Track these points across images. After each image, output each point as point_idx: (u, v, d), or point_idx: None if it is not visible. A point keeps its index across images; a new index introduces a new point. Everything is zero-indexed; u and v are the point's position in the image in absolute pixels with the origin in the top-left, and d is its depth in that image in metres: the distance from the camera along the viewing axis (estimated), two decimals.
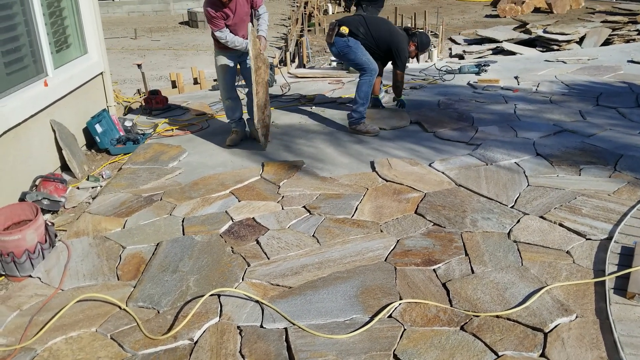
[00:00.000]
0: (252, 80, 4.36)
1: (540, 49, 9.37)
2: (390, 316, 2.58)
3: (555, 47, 9.20)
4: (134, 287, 2.94)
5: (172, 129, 5.61)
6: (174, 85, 7.62)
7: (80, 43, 5.45)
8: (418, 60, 5.56)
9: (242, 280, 2.94)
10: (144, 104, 6.44)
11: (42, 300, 2.86)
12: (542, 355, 2.29)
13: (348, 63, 5.22)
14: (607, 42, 9.44)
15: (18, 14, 4.27)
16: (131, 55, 11.36)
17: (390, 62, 5.55)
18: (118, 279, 3.02)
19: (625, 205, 3.47)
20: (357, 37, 5.04)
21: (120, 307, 2.76)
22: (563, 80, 6.81)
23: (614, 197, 3.61)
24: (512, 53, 9.13)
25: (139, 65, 6.92)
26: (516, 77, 7.04)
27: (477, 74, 7.28)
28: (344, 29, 5.00)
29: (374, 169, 4.30)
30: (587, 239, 3.14)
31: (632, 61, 7.78)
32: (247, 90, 4.86)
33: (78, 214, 3.98)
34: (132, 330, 2.59)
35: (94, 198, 4.21)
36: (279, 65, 7.81)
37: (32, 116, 4.22)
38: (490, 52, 9.45)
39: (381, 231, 3.36)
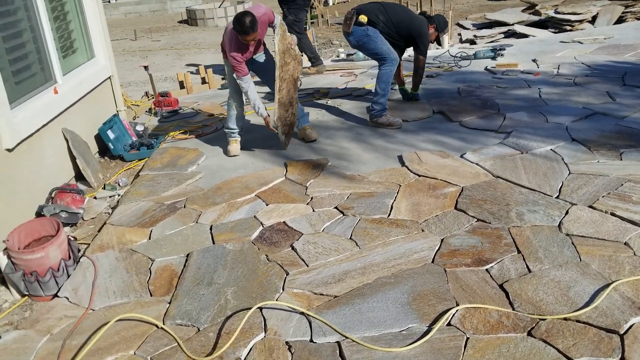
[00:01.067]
0: (275, 75, 4.17)
1: (553, 30, 9.14)
2: (449, 324, 2.40)
3: (568, 28, 8.97)
4: (169, 303, 2.76)
5: (186, 132, 5.42)
6: (181, 85, 7.42)
7: (87, 47, 5.27)
8: (439, 43, 5.34)
9: (283, 290, 2.77)
10: (154, 106, 6.26)
11: (72, 322, 2.70)
12: (622, 359, 2.12)
13: (367, 53, 5.01)
14: (620, 20, 9.20)
15: (23, 20, 4.09)
16: (133, 57, 11.15)
17: (407, 50, 5.37)
18: (151, 295, 2.85)
19: None
20: (376, 25, 4.84)
21: (157, 326, 2.59)
22: (583, 61, 6.60)
23: None
24: (525, 36, 8.90)
25: (146, 67, 6.73)
26: (534, 60, 6.84)
27: (494, 58, 7.07)
28: (363, 18, 4.80)
29: (403, 163, 4.12)
30: None
31: None
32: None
33: (98, 226, 3.81)
34: (173, 351, 2.42)
35: (113, 208, 4.04)
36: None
37: (44, 126, 4.05)
38: (502, 35, 9.21)
39: (422, 230, 3.18)
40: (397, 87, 5.77)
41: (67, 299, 2.91)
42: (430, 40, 5.17)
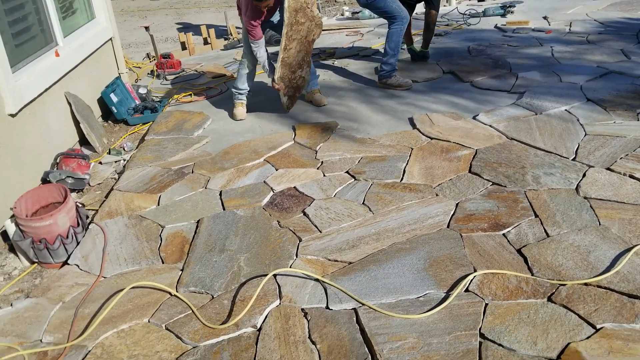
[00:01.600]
0: (282, 32, 4.04)
1: None
2: (467, 290, 2.37)
3: None
4: (182, 270, 2.73)
5: (191, 94, 5.31)
6: (183, 46, 7.27)
7: (87, 7, 5.12)
8: None
9: (297, 256, 2.73)
10: (156, 68, 6.13)
11: (84, 290, 2.67)
12: None
13: (376, 12, 4.84)
14: None
15: None
16: (132, 17, 10.90)
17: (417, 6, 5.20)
18: (163, 262, 2.82)
19: None
20: None
21: (170, 294, 2.56)
22: (596, 18, 6.43)
23: None
24: None
25: (147, 28, 6.56)
26: (545, 17, 6.66)
27: (503, 15, 6.89)
28: None
29: (414, 126, 4.03)
30: None
31: None
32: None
33: (105, 191, 3.76)
34: (187, 319, 2.40)
35: (119, 173, 3.99)
36: None
37: (46, 90, 3.95)
38: None
39: (437, 195, 3.12)
40: (405, 46, 5.63)
41: (78, 266, 2.88)
42: None
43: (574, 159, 3.31)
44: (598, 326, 2.10)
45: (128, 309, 2.50)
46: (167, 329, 2.36)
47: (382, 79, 4.90)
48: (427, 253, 2.62)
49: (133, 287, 2.60)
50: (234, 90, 4.63)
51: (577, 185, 3.03)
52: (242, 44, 4.40)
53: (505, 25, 6.45)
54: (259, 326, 2.31)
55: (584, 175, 3.12)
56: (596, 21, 6.29)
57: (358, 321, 2.27)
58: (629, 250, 2.46)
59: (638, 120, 3.71)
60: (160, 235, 3.03)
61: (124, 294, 2.54)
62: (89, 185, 3.92)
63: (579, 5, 7.20)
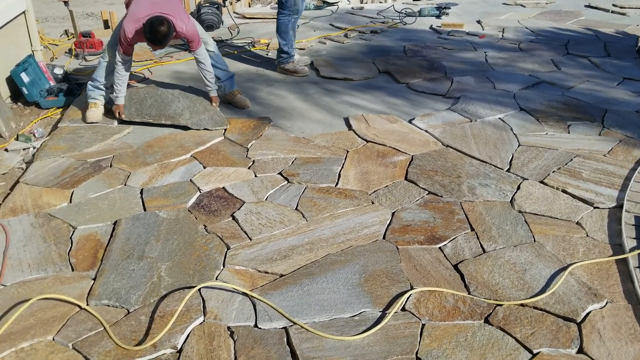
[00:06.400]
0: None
1: None
2: (403, 309, 2.26)
3: None
4: (94, 279, 2.46)
5: None
6: (106, 25, 6.77)
7: None
8: None
9: (224, 266, 2.53)
10: (74, 48, 5.67)
11: None
12: (580, 351, 2.05)
13: None
14: None
15: None
16: None
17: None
18: (72, 269, 2.53)
19: (625, 168, 3.28)
20: None
21: (80, 307, 2.30)
22: (527, 26, 6.56)
23: (610, 158, 3.41)
24: None
25: (66, 3, 6.05)
26: (479, 22, 6.72)
27: (438, 17, 6.90)
28: None
29: (350, 126, 3.90)
30: (595, 208, 2.92)
31: (589, 6, 7.64)
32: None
33: (10, 184, 3.38)
34: (98, 337, 2.15)
35: (28, 163, 3.61)
36: (225, 4, 7.11)
37: None
38: None
39: (372, 202, 3.01)
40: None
41: None
42: None
43: (508, 170, 3.30)
44: (535, 351, 2.05)
45: (30, 324, 2.22)
46: (74, 348, 2.10)
47: (280, 64, 5.03)
48: (363, 267, 2.50)
49: (38, 299, 2.30)
50: (89, 84, 4.03)
51: (512, 198, 3.01)
52: None
53: (440, 27, 6.45)
54: (179, 347, 2.11)
55: (519, 187, 3.11)
56: (527, 29, 6.42)
57: (289, 342, 2.12)
58: (564, 269, 2.44)
59: (569, 132, 3.76)
60: (70, 238, 2.73)
61: (26, 307, 2.25)
62: None
63: (510, 11, 7.33)
